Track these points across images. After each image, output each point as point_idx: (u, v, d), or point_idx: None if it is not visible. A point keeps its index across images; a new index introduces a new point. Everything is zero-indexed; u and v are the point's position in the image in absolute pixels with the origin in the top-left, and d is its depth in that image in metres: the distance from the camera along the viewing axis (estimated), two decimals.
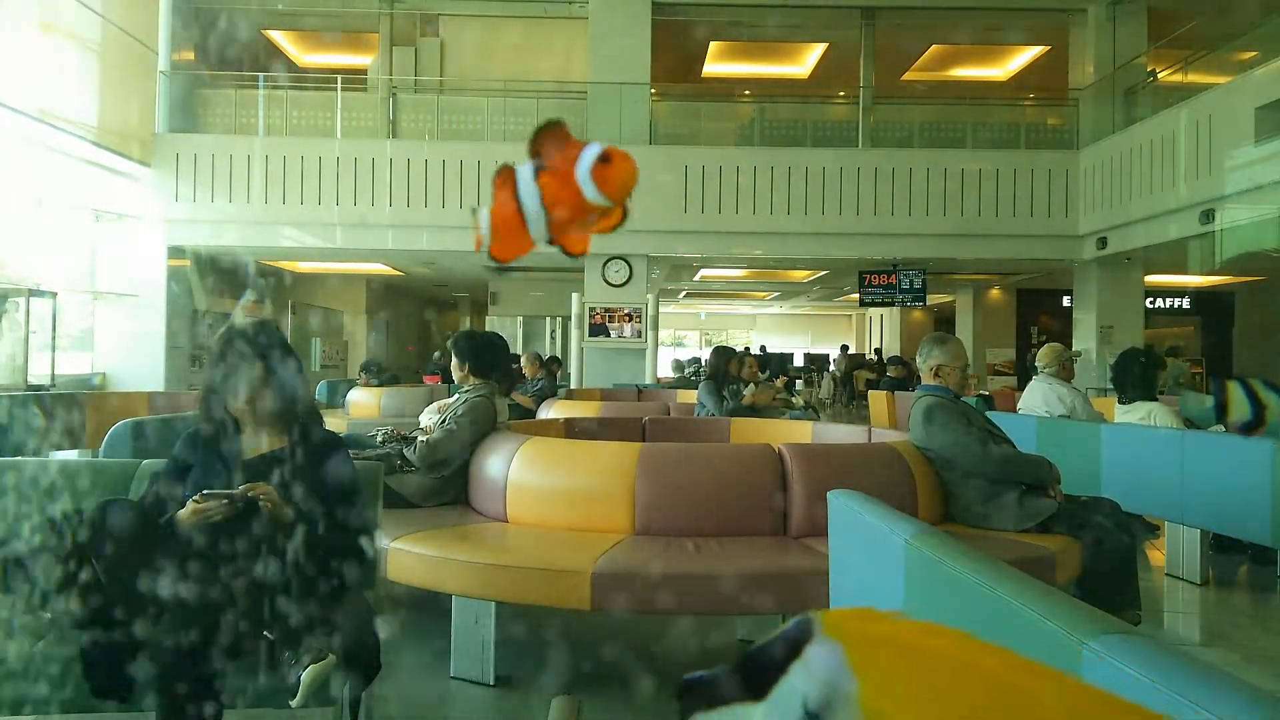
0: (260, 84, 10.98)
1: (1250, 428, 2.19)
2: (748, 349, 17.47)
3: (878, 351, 21.68)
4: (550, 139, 0.76)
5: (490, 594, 2.60)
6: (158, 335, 10.27)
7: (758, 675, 0.42)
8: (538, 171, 0.77)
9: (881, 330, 22.23)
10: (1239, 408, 2.17)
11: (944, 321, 19.58)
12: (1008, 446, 3.23)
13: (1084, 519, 3.02)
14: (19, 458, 2.61)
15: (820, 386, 19.97)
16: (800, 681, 0.40)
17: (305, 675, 1.71)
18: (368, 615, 1.98)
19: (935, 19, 11.79)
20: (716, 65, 13.50)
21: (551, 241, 0.79)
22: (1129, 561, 3.01)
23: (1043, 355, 5.33)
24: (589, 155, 0.73)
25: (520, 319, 15.30)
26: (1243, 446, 3.93)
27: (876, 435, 4.11)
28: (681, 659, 2.95)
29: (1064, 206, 10.56)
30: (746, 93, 13.69)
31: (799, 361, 23.15)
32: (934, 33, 12.26)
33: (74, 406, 6.24)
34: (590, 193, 0.73)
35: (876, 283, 12.20)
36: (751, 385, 6.07)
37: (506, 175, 0.79)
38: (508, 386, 3.77)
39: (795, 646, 0.42)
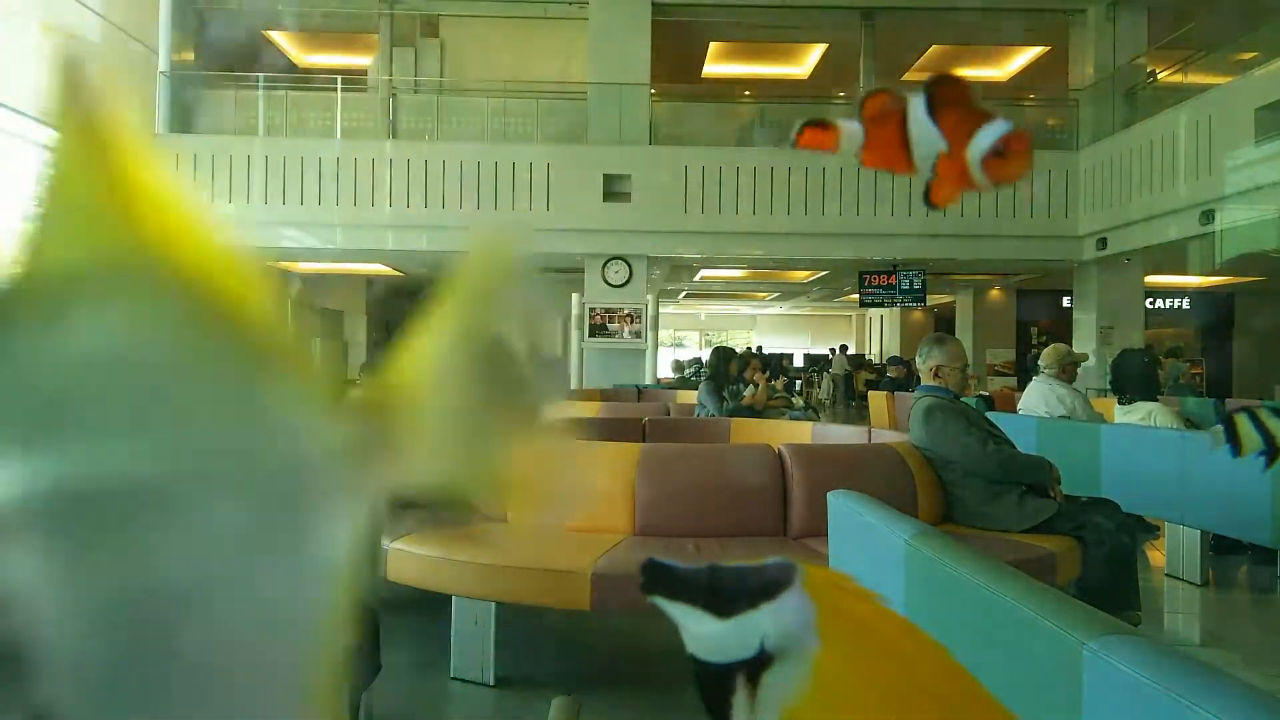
0: (260, 84, 10.98)
1: (1269, 458, 2.18)
2: (749, 349, 17.47)
3: (844, 348, 21.89)
4: (952, 93, 0.76)
5: (490, 594, 2.60)
6: None
7: (727, 595, 0.43)
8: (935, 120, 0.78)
9: (881, 331, 22.24)
10: (1250, 441, 2.16)
11: (944, 322, 19.57)
12: (1007, 447, 3.23)
13: (1084, 519, 3.02)
14: None
15: (820, 387, 19.98)
16: (767, 621, 0.42)
17: None
18: (367, 615, 1.98)
19: (935, 19, 11.79)
20: (716, 66, 13.51)
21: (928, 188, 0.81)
22: (1129, 562, 3.02)
23: (1045, 356, 5.32)
24: (986, 141, 0.73)
25: None
26: None
27: (876, 436, 4.12)
28: (681, 659, 2.95)
29: (1064, 207, 10.57)
30: (746, 93, 13.70)
31: (799, 362, 23.16)
32: (934, 33, 12.27)
33: None
34: (978, 175, 0.73)
35: (876, 283, 12.20)
36: (751, 386, 6.07)
37: (891, 105, 0.80)
38: None
39: (772, 587, 0.43)
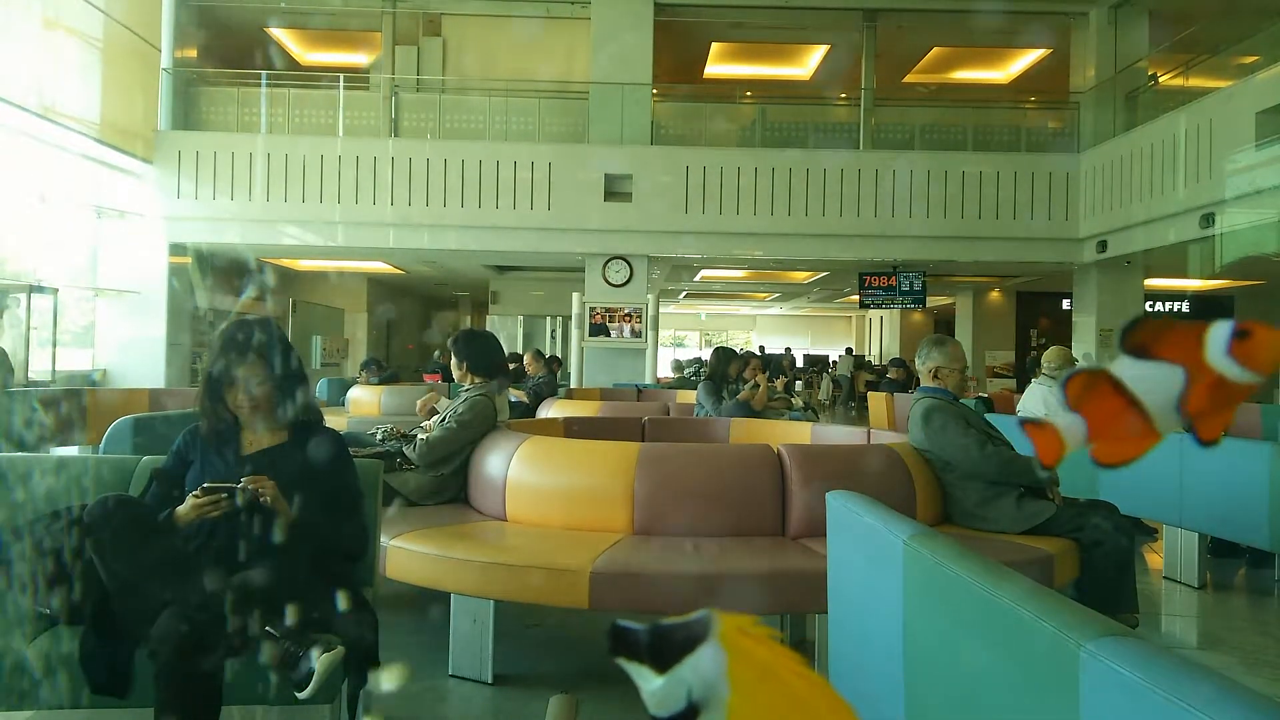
0: (263, 82, 10.99)
1: None
2: (748, 350, 17.47)
3: (849, 350, 22.01)
4: (1153, 330, 0.73)
5: (489, 592, 2.60)
6: (158, 332, 10.27)
7: (664, 651, 0.49)
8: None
9: (881, 332, 22.24)
10: None
11: (944, 324, 19.58)
12: (1006, 449, 3.23)
13: (1082, 521, 3.02)
14: (19, 453, 2.61)
15: (819, 388, 20.00)
16: (689, 673, 0.48)
17: (319, 665, 1.71)
18: (366, 613, 1.98)
19: (937, 21, 11.79)
20: (718, 66, 13.50)
21: (1189, 429, 0.76)
22: (1127, 564, 3.02)
23: (1052, 357, 5.30)
24: (1222, 334, 0.70)
25: (520, 318, 15.31)
26: (1241, 450, 3.94)
27: (875, 437, 4.12)
28: None
29: (1064, 209, 10.57)
30: (748, 94, 13.70)
31: (798, 362, 23.20)
32: (936, 35, 12.26)
33: (75, 403, 6.24)
34: (1235, 372, 0.70)
35: (876, 285, 12.21)
36: (748, 386, 6.07)
37: (1092, 379, 0.76)
38: (501, 384, 3.77)
39: (694, 640, 0.49)
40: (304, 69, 13.25)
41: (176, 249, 10.41)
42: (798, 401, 8.13)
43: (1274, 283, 13.28)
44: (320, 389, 9.34)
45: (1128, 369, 0.74)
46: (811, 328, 26.69)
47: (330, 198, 10.21)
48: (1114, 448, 0.77)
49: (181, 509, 1.87)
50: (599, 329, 10.75)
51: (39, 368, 8.65)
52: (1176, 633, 3.58)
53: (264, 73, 11.08)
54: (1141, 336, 0.74)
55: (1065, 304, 14.25)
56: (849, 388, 19.21)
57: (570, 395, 8.13)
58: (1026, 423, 0.79)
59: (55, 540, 1.84)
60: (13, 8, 8.10)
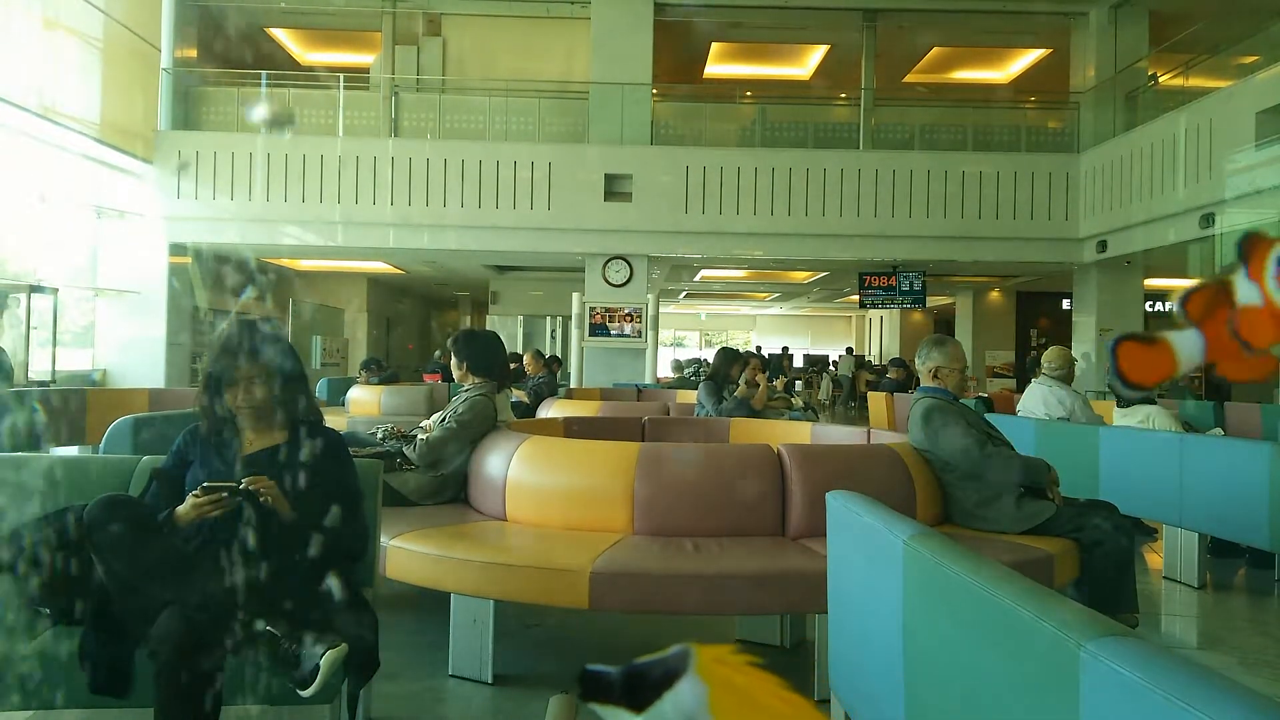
0: (263, 82, 10.99)
1: None
2: (748, 351, 17.46)
3: (849, 350, 22.02)
4: (1261, 243, 0.72)
5: (489, 592, 2.60)
6: (158, 332, 10.28)
7: (640, 690, 0.49)
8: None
9: (881, 332, 22.24)
10: None
11: (944, 324, 19.58)
12: (1006, 449, 3.23)
13: (1082, 522, 3.02)
14: (19, 453, 2.61)
15: (819, 388, 20.00)
16: (670, 709, 0.48)
17: (324, 662, 1.71)
18: (366, 612, 1.98)
19: (937, 21, 11.79)
20: (718, 66, 13.50)
21: None
22: (1127, 564, 3.02)
23: (1054, 358, 5.30)
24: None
25: (520, 318, 15.31)
26: (1241, 450, 3.94)
27: (875, 437, 4.11)
28: None
29: (1064, 209, 10.57)
30: (748, 94, 13.70)
31: (798, 362, 23.21)
32: (935, 35, 12.26)
33: (75, 402, 6.24)
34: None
35: (876, 284, 12.21)
36: (743, 384, 6.05)
37: (1217, 295, 0.76)
38: (500, 384, 3.77)
39: (672, 676, 0.49)
40: (304, 69, 13.25)
41: (176, 249, 10.41)
42: (798, 401, 8.12)
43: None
44: (320, 389, 9.34)
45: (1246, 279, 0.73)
46: (811, 328, 26.68)
47: (330, 198, 10.21)
48: (1235, 365, 0.76)
49: (181, 509, 1.87)
50: (599, 329, 10.75)
51: (39, 368, 8.66)
52: (1176, 633, 3.58)
53: (264, 73, 11.09)
54: (1266, 248, 0.72)
55: (1065, 304, 14.26)
56: (849, 387, 19.21)
57: (570, 395, 8.13)
58: (1123, 340, 0.76)
59: (55, 540, 1.84)
60: (13, 8, 8.10)
